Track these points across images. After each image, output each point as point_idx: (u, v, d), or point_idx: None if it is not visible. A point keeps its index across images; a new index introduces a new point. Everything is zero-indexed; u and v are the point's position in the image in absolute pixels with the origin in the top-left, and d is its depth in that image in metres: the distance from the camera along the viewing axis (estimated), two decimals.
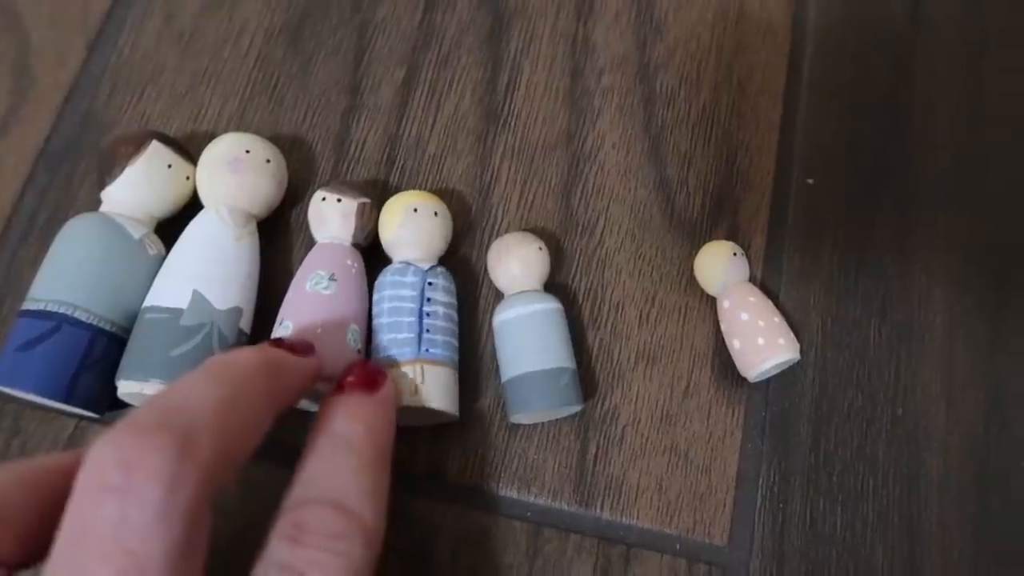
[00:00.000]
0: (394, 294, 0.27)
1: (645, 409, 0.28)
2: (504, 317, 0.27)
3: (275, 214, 0.29)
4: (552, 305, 0.27)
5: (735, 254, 0.29)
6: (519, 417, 0.27)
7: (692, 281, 0.30)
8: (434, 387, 0.26)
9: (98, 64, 0.33)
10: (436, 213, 0.28)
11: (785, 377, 0.29)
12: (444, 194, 0.31)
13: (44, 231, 0.30)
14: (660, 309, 0.30)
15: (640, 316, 0.30)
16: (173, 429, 0.17)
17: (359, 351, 0.26)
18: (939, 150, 0.33)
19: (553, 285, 0.30)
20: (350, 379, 0.23)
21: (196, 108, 0.32)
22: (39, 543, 0.17)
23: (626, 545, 0.27)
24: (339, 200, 0.28)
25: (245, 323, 0.27)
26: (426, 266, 0.28)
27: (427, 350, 0.26)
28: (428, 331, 0.26)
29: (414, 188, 0.31)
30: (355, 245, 0.28)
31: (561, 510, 0.27)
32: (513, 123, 0.32)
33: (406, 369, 0.26)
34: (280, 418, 0.21)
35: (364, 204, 0.28)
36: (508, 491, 0.27)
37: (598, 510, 0.27)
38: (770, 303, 0.28)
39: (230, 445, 0.18)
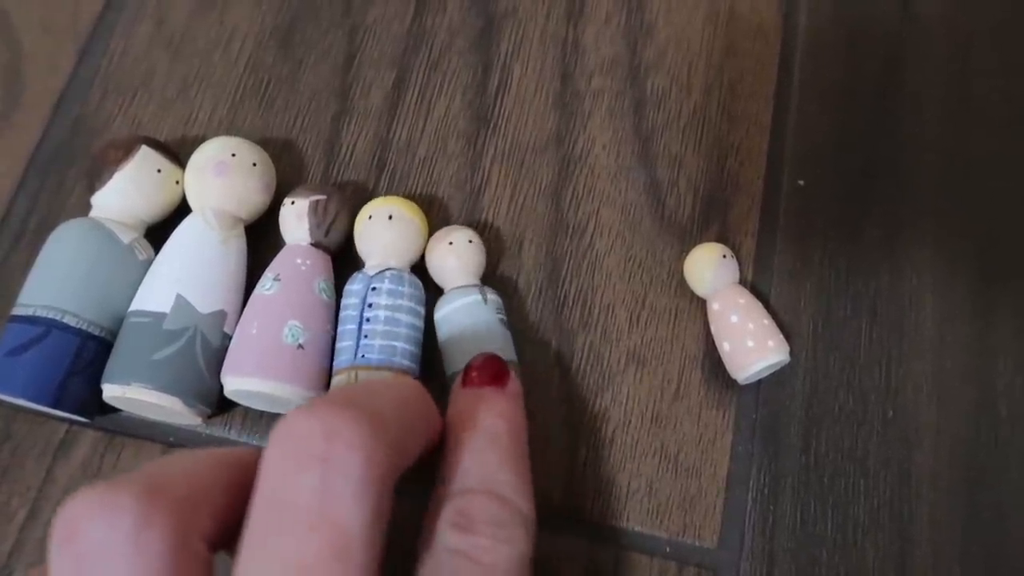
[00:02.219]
0: (344, 303, 0.27)
1: (635, 411, 0.28)
2: (441, 313, 0.28)
3: (264, 217, 0.29)
4: (474, 297, 0.27)
5: (725, 256, 0.29)
6: None
7: (682, 283, 0.30)
8: None
9: (89, 69, 0.33)
10: (391, 217, 0.28)
11: (775, 379, 0.29)
12: (434, 197, 0.31)
13: (35, 236, 0.30)
14: (650, 311, 0.30)
15: (630, 318, 0.30)
16: (366, 407, 0.18)
17: (301, 346, 0.26)
18: (929, 150, 0.33)
19: (543, 287, 0.30)
20: (474, 374, 0.24)
21: (186, 112, 0.32)
22: (233, 526, 0.17)
23: (615, 548, 0.27)
24: (293, 203, 0.28)
25: (229, 326, 0.27)
26: (374, 271, 0.28)
27: (363, 356, 0.26)
28: (366, 336, 0.26)
29: (405, 191, 0.31)
30: (317, 244, 0.28)
31: (550, 513, 0.27)
32: (503, 126, 0.32)
33: (340, 377, 0.26)
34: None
35: (317, 202, 0.28)
36: None
37: (588, 512, 0.27)
38: (760, 305, 0.28)
39: (405, 440, 0.19)
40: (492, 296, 0.28)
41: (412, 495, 0.21)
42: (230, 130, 0.32)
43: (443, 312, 0.28)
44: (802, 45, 0.34)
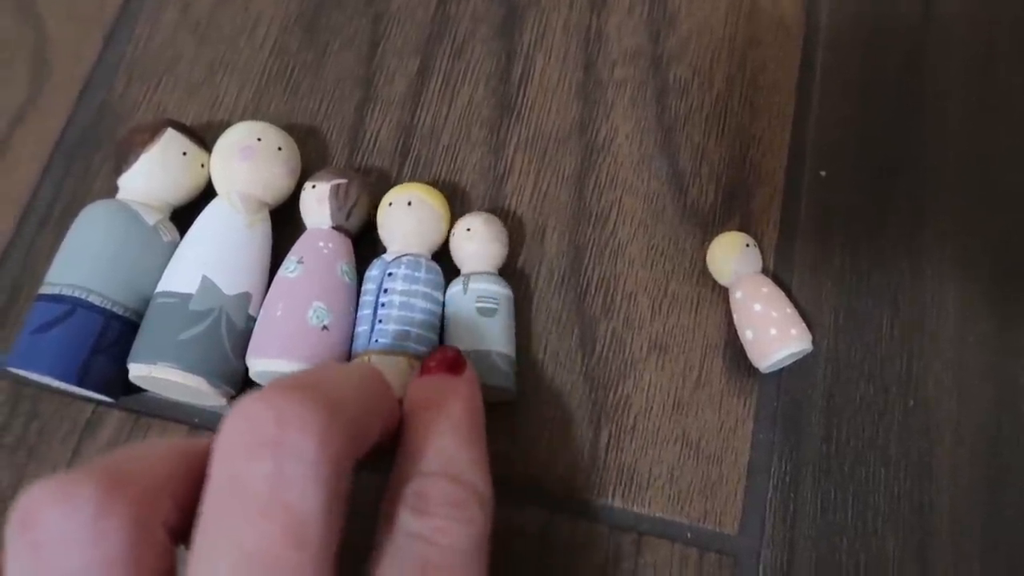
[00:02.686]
0: (364, 288, 0.28)
1: (657, 398, 0.28)
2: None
3: (289, 201, 0.30)
4: (456, 288, 0.28)
5: (748, 245, 0.29)
6: None
7: (704, 272, 0.30)
8: None
9: (114, 55, 0.33)
10: (410, 203, 0.28)
11: (797, 368, 0.29)
12: (458, 184, 0.31)
13: (61, 220, 0.31)
14: (672, 300, 0.30)
15: (652, 306, 0.30)
16: (319, 390, 0.18)
17: (325, 327, 0.26)
18: (950, 145, 0.33)
19: (566, 274, 0.30)
20: (432, 364, 0.24)
21: (212, 98, 0.33)
22: (192, 514, 0.17)
23: (637, 533, 0.27)
24: (313, 187, 0.28)
25: (254, 308, 0.27)
26: (392, 257, 0.28)
27: (376, 340, 0.26)
28: (380, 321, 0.26)
29: (428, 178, 0.31)
30: (338, 228, 0.28)
31: (572, 498, 0.27)
32: (526, 114, 0.32)
33: (356, 361, 0.26)
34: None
35: (338, 186, 0.28)
36: (520, 479, 0.27)
37: (609, 498, 0.27)
38: (782, 294, 0.28)
39: (361, 423, 0.19)
40: (476, 285, 0.27)
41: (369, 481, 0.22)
42: (255, 115, 0.32)
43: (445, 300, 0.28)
44: (824, 37, 0.34)
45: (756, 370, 0.29)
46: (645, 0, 0.34)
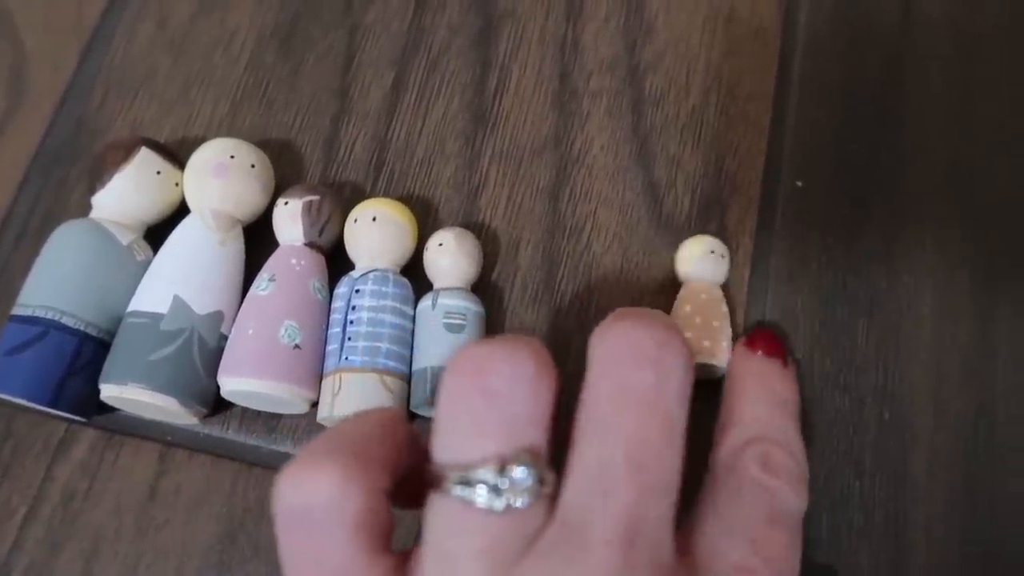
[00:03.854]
0: (333, 307, 0.28)
1: None
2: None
3: (262, 218, 0.30)
4: (424, 304, 0.28)
5: (713, 252, 0.29)
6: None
7: (678, 285, 0.30)
8: (350, 394, 0.26)
9: (91, 69, 0.33)
10: (375, 219, 0.28)
11: None
12: (432, 198, 0.31)
13: (37, 236, 0.31)
14: None
15: None
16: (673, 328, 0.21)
17: (296, 346, 0.26)
18: (929, 153, 0.32)
19: (540, 288, 0.30)
20: (761, 343, 0.27)
21: (187, 113, 0.33)
22: (397, 479, 0.20)
23: None
24: (286, 203, 0.28)
25: (226, 327, 0.27)
26: (359, 273, 0.28)
27: (346, 358, 0.26)
28: (350, 339, 0.26)
29: (402, 192, 0.31)
30: (311, 244, 0.28)
31: None
32: (501, 126, 0.32)
33: (328, 380, 0.26)
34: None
35: (310, 202, 0.28)
36: None
37: None
38: (723, 310, 0.28)
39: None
40: (444, 300, 0.27)
41: None
42: (230, 130, 0.32)
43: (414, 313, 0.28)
44: (802, 45, 0.34)
45: None
46: (622, 9, 0.34)
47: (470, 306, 0.27)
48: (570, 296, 0.30)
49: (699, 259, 0.29)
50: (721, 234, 0.31)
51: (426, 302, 0.27)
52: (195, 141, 0.32)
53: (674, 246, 0.31)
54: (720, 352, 0.27)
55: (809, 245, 0.31)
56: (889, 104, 0.33)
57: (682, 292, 0.29)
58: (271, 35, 0.34)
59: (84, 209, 0.29)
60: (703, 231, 0.31)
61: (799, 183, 0.32)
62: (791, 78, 0.34)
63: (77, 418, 0.27)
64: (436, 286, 0.28)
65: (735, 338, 0.28)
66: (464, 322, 0.27)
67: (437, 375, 0.26)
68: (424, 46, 0.34)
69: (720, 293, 0.29)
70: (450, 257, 0.28)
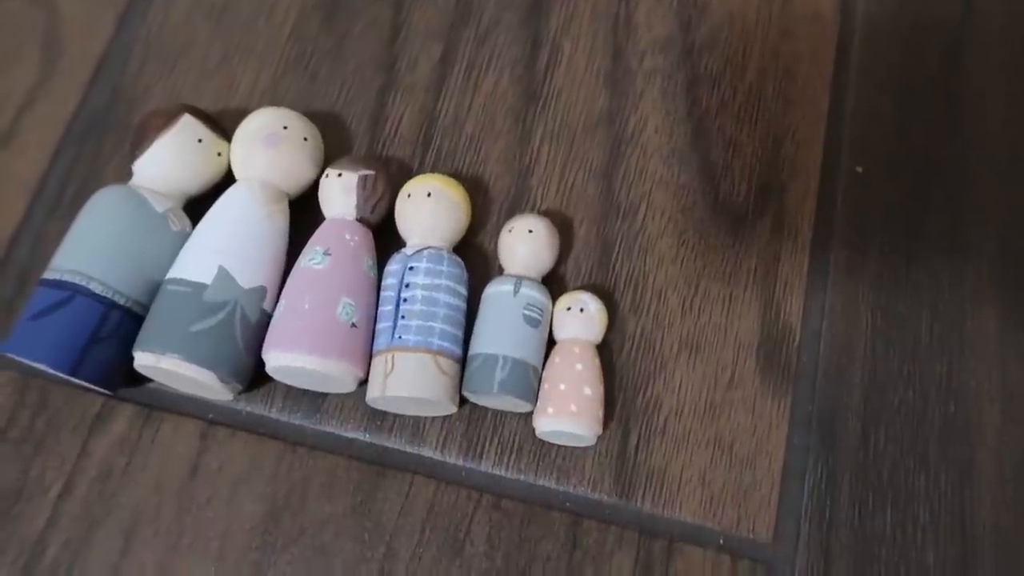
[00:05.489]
0: (384, 283, 0.27)
1: (688, 399, 0.27)
2: (483, 294, 0.27)
3: (306, 193, 0.29)
4: (506, 288, 0.26)
5: (582, 309, 0.27)
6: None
7: (737, 269, 0.29)
8: (403, 374, 0.25)
9: (128, 37, 0.32)
10: (430, 194, 0.27)
11: (833, 370, 0.28)
12: (482, 176, 0.30)
13: (71, 207, 0.30)
14: (703, 297, 0.29)
15: (683, 304, 0.29)
16: None
17: (354, 325, 0.25)
18: (991, 143, 0.31)
19: (594, 270, 0.29)
20: None
21: (228, 83, 0.32)
22: None
23: (668, 539, 0.26)
24: (340, 175, 0.27)
25: (268, 303, 0.26)
26: (412, 250, 0.27)
27: (399, 337, 0.25)
28: (403, 317, 0.25)
29: (451, 169, 0.30)
30: (362, 220, 0.27)
31: (601, 501, 0.26)
32: (553, 103, 0.31)
33: (379, 359, 0.25)
34: None
35: (365, 177, 0.27)
36: (547, 480, 0.26)
37: (639, 502, 0.26)
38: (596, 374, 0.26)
39: None
40: (526, 291, 0.26)
41: None
42: (272, 102, 0.31)
43: (484, 294, 0.27)
44: (860, 31, 0.33)
45: (791, 370, 0.28)
46: (682, 15, 0.33)
47: (547, 302, 0.27)
48: (624, 279, 0.29)
49: (559, 318, 0.27)
50: (779, 219, 0.30)
51: (504, 286, 0.26)
52: (236, 112, 0.31)
53: (731, 230, 0.30)
54: (591, 424, 0.25)
55: (870, 233, 0.30)
56: (950, 91, 0.32)
57: (557, 359, 0.26)
58: (314, 6, 0.33)
59: (120, 179, 0.28)
60: (761, 216, 0.30)
61: (859, 169, 0.31)
62: (849, 62, 0.33)
63: (101, 390, 0.26)
64: (511, 271, 0.27)
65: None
66: (540, 317, 0.26)
67: (511, 363, 0.25)
68: (473, 20, 0.33)
69: (592, 356, 0.26)
70: (536, 246, 0.27)
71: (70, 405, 0.27)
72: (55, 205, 0.30)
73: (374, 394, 0.25)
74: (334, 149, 0.30)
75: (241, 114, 0.29)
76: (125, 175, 0.29)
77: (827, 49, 0.33)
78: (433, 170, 0.30)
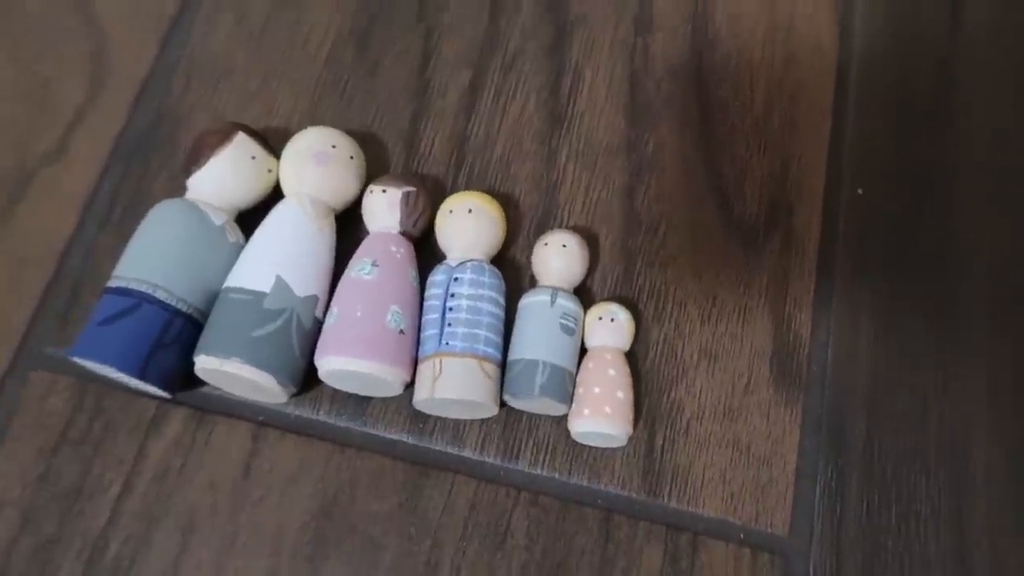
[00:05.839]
0: (428, 293, 0.28)
1: (708, 404, 0.29)
2: (520, 304, 0.29)
3: (348, 207, 0.30)
4: (543, 298, 0.28)
5: (612, 319, 0.29)
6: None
7: (750, 283, 0.31)
8: (451, 378, 0.27)
9: (171, 59, 0.34)
10: (471, 211, 0.29)
11: (839, 377, 0.30)
12: (512, 194, 0.32)
13: (121, 220, 0.31)
14: (720, 309, 0.31)
15: (701, 315, 0.31)
16: None
17: (402, 331, 0.27)
18: (979, 159, 0.34)
19: (619, 282, 0.31)
20: None
21: (267, 105, 0.33)
22: None
23: (693, 533, 0.28)
24: (384, 191, 0.29)
25: (319, 310, 0.28)
26: (456, 263, 0.29)
27: (446, 343, 0.27)
28: (449, 325, 0.27)
29: (483, 187, 0.32)
30: (404, 234, 0.29)
31: (630, 498, 0.28)
32: (577, 127, 0.34)
33: (427, 363, 0.27)
34: None
35: (408, 193, 0.29)
36: (579, 479, 0.28)
37: (666, 499, 0.28)
38: (628, 379, 0.28)
39: None
40: (562, 301, 0.28)
41: None
42: (311, 123, 0.33)
43: (522, 303, 0.29)
44: (857, 59, 0.36)
45: (802, 378, 0.30)
46: (688, 21, 0.36)
47: (580, 312, 0.29)
48: (647, 291, 0.31)
49: (591, 326, 0.29)
50: (788, 238, 0.32)
51: (542, 297, 0.28)
52: (276, 132, 0.33)
53: (744, 247, 0.32)
54: (623, 424, 0.27)
55: (870, 250, 0.32)
56: (941, 113, 0.35)
57: (591, 364, 0.28)
58: (348, 34, 0.35)
59: (166, 194, 0.30)
60: (770, 234, 0.32)
61: (860, 190, 0.33)
62: (848, 89, 0.35)
63: (162, 393, 0.27)
64: (545, 282, 0.29)
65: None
66: (575, 326, 0.28)
67: (550, 369, 0.27)
68: (499, 49, 0.35)
69: (624, 362, 0.29)
70: (569, 260, 0.29)
71: (126, 409, 0.28)
72: (105, 219, 0.31)
73: (422, 396, 0.27)
74: (372, 168, 0.32)
75: (281, 134, 0.31)
76: (172, 190, 0.31)
77: (827, 77, 0.35)
78: (466, 188, 0.32)
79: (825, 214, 0.33)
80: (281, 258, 0.27)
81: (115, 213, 0.31)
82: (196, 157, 0.29)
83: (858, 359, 0.31)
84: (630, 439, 0.29)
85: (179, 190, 0.30)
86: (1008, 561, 0.28)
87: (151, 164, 0.32)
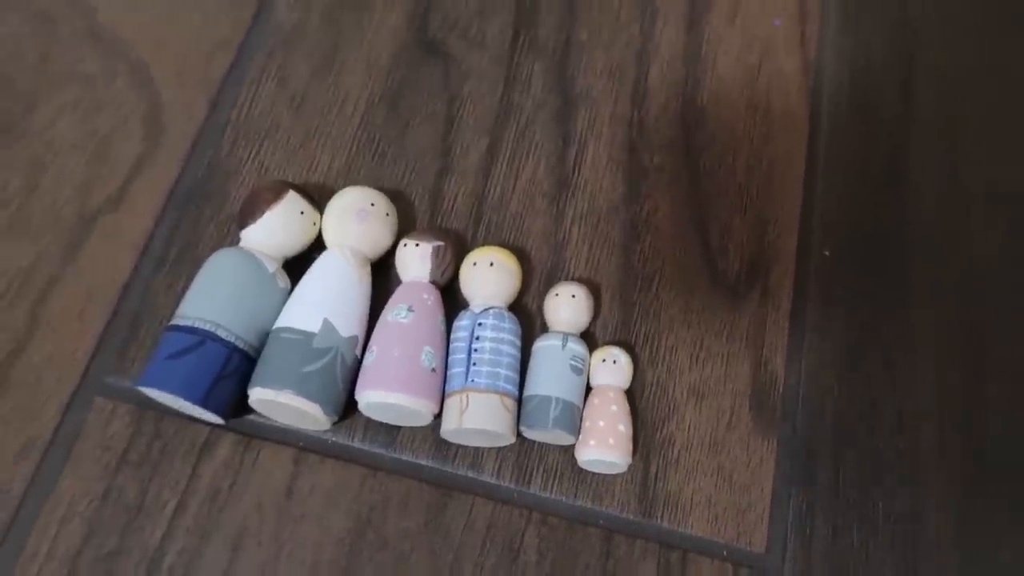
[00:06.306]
0: (455, 336, 0.32)
1: (696, 437, 0.34)
2: (535, 347, 0.33)
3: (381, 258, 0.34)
4: (555, 343, 0.32)
5: (604, 360, 0.33)
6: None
7: (732, 332, 0.36)
8: (476, 411, 0.30)
9: (220, 118, 0.38)
10: (492, 264, 0.33)
11: (809, 416, 0.35)
12: (525, 248, 0.36)
13: (175, 263, 0.34)
14: (707, 354, 0.35)
15: (690, 359, 0.35)
16: None
17: (434, 370, 0.31)
18: (926, 220, 0.39)
19: (618, 329, 0.35)
20: None
21: (308, 161, 0.37)
22: None
23: (683, 550, 0.32)
24: (417, 245, 0.33)
25: (359, 349, 0.32)
26: (479, 309, 0.33)
27: (472, 380, 0.31)
28: (475, 364, 0.31)
29: (499, 241, 0.36)
30: (433, 282, 0.33)
31: (628, 519, 0.32)
32: (581, 191, 0.38)
33: (455, 398, 0.31)
34: None
35: (439, 247, 0.33)
36: (584, 501, 0.32)
37: (659, 520, 0.32)
38: (626, 412, 0.33)
39: None
40: (572, 345, 0.32)
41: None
42: (347, 179, 0.37)
43: (536, 346, 0.33)
44: (825, 133, 0.41)
45: (776, 415, 0.34)
46: (678, 98, 0.41)
47: (587, 354, 0.33)
48: (642, 337, 0.35)
49: (595, 367, 0.33)
50: (765, 293, 0.37)
51: (554, 341, 0.32)
52: (316, 186, 0.36)
53: (727, 300, 0.36)
54: (618, 450, 0.31)
55: (836, 303, 0.37)
56: (895, 186, 0.40)
57: (596, 400, 0.33)
58: (380, 100, 0.39)
59: (217, 241, 0.34)
60: (751, 290, 0.37)
61: (826, 252, 0.38)
62: (818, 161, 0.40)
63: (217, 420, 0.31)
64: (555, 328, 0.33)
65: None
66: (583, 367, 0.32)
67: (562, 404, 0.31)
68: (514, 118, 0.39)
69: (623, 398, 0.33)
70: (577, 308, 0.33)
71: (180, 434, 0.32)
72: (161, 262, 0.35)
73: (450, 427, 0.31)
74: (402, 221, 0.36)
75: (320, 188, 0.35)
76: (221, 236, 0.34)
77: (799, 151, 0.40)
78: (484, 242, 0.36)
79: (797, 272, 0.38)
80: (328, 303, 0.31)
81: (170, 256, 0.35)
82: (251, 211, 0.33)
83: (825, 399, 0.35)
84: (629, 467, 0.33)
85: (227, 236, 0.34)
86: (951, 567, 0.32)
87: (203, 213, 0.36)
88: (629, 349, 0.35)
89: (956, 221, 0.39)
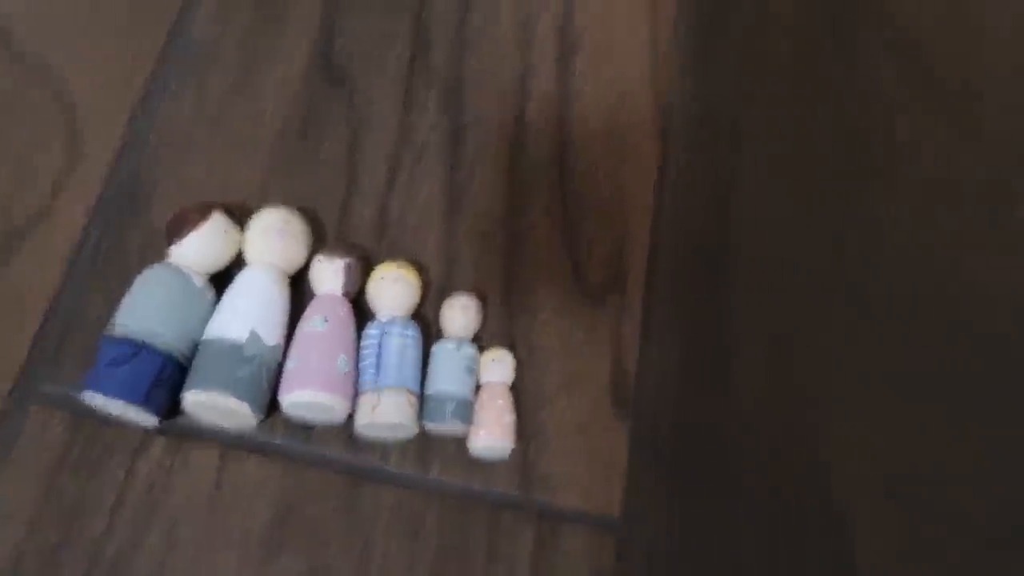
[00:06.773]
0: (365, 343, 0.37)
1: (565, 423, 0.40)
2: (432, 349, 0.39)
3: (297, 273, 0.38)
4: (451, 345, 0.38)
5: (501, 361, 0.39)
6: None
7: (595, 331, 0.43)
8: (387, 407, 0.36)
9: (141, 132, 0.40)
10: (396, 279, 0.38)
11: (656, 402, 0.42)
12: (422, 261, 0.42)
13: (104, 275, 0.37)
14: (577, 351, 0.42)
15: (561, 357, 0.42)
16: None
17: (347, 374, 0.36)
18: (748, 249, 0.48)
19: (504, 333, 0.41)
20: None
21: (225, 179, 0.40)
22: None
23: (555, 520, 0.39)
24: (331, 260, 0.38)
25: (281, 355, 0.36)
26: (386, 319, 0.38)
27: (382, 380, 0.36)
28: (384, 366, 0.37)
29: (400, 255, 0.41)
30: (345, 295, 0.38)
31: (512, 496, 0.38)
32: (472, 209, 0.43)
33: (367, 396, 0.36)
34: None
35: (350, 263, 0.38)
36: (476, 483, 0.38)
37: (536, 496, 0.39)
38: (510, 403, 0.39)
39: None
40: (465, 348, 0.38)
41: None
42: (262, 196, 0.40)
43: (433, 349, 0.38)
44: (673, 166, 0.48)
45: (630, 401, 0.42)
46: (554, 125, 0.47)
47: (478, 355, 0.38)
48: (522, 338, 0.42)
49: (486, 364, 0.39)
50: (622, 297, 0.44)
51: (450, 344, 0.38)
52: (233, 204, 0.40)
53: (592, 305, 0.43)
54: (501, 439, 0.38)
55: (679, 309, 0.45)
56: (723, 210, 0.48)
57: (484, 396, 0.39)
58: (291, 119, 0.43)
59: (142, 251, 0.37)
60: (611, 295, 0.44)
61: (671, 265, 0.46)
62: (666, 188, 0.48)
63: (153, 420, 0.34)
64: (450, 334, 0.39)
65: None
66: (475, 367, 0.38)
67: (457, 401, 0.37)
68: (412, 141, 0.44)
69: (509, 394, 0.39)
70: (470, 317, 0.38)
71: (117, 436, 0.35)
72: (89, 273, 0.37)
73: (363, 422, 0.36)
74: (313, 237, 0.40)
75: (241, 206, 0.39)
76: (146, 247, 0.38)
77: (651, 177, 0.48)
78: (387, 256, 0.41)
79: (647, 282, 0.45)
80: (253, 314, 0.35)
81: (98, 266, 0.37)
82: (179, 230, 0.36)
83: (667, 388, 0.43)
84: (512, 452, 0.39)
85: (151, 247, 0.37)
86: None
87: (128, 223, 0.38)
88: (512, 349, 0.41)
89: (776, 247, 0.48)
